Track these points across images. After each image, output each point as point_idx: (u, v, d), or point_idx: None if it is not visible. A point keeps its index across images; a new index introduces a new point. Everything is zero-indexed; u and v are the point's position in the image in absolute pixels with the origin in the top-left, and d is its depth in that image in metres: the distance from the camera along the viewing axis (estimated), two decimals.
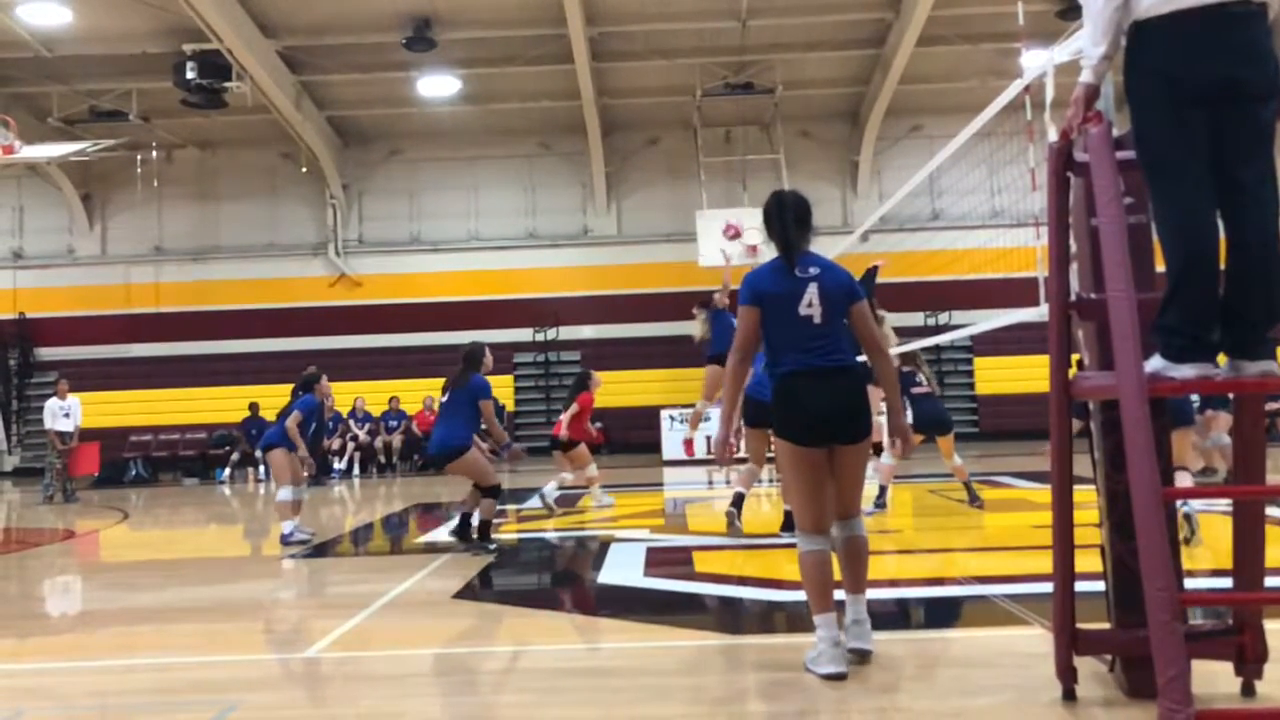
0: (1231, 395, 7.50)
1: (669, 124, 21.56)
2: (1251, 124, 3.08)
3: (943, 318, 19.85)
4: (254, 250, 22.14)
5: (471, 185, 22.23)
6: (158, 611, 5.98)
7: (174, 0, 15.10)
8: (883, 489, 9.02)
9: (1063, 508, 3.51)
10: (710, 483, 13.90)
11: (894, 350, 9.42)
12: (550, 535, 8.72)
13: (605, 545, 7.87)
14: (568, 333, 21.65)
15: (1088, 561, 3.69)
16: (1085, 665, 3.58)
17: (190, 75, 17.18)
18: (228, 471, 18.42)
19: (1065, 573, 3.49)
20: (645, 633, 4.95)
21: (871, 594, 5.22)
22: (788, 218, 4.13)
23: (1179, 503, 5.35)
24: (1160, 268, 3.31)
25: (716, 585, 6.09)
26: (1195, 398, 8.62)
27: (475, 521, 7.71)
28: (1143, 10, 3.14)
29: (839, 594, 4.05)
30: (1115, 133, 3.43)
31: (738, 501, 8.06)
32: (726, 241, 16.69)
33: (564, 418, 10.43)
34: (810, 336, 4.00)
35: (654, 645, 4.64)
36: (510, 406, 20.19)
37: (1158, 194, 3.22)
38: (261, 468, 16.16)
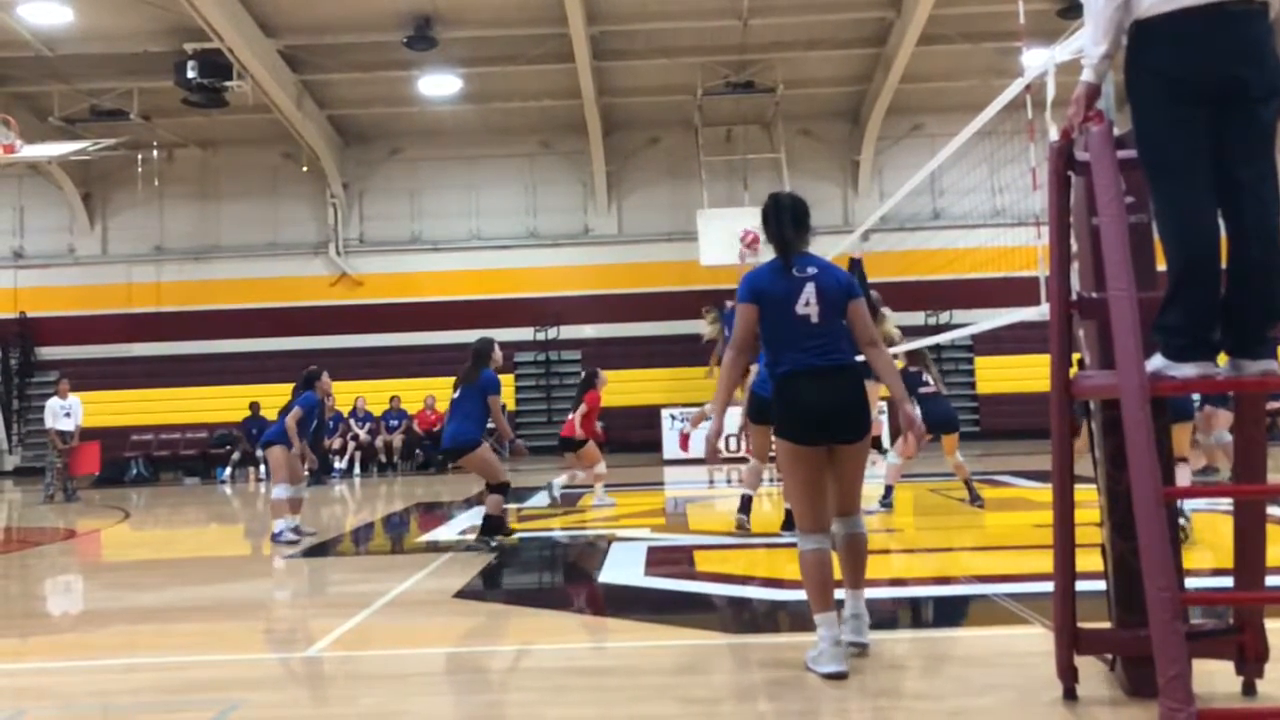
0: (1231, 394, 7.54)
1: (670, 123, 21.55)
2: (1252, 123, 3.07)
3: (943, 317, 19.85)
4: (255, 249, 22.14)
5: (472, 184, 22.23)
6: (159, 611, 5.99)
7: None
8: (888, 489, 9.03)
9: (1064, 507, 3.51)
10: (711, 482, 13.91)
11: (899, 349, 9.44)
12: (551, 534, 8.72)
13: (606, 544, 7.87)
14: (568, 332, 21.65)
15: (1088, 561, 3.69)
16: (1086, 664, 3.58)
17: (191, 74, 17.18)
18: (228, 471, 18.42)
19: (1066, 572, 3.49)
20: (646, 632, 4.96)
21: (872, 593, 5.21)
22: (784, 219, 4.16)
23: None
24: (1161, 267, 3.31)
25: (717, 584, 6.09)
26: (1195, 395, 8.64)
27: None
28: (1144, 9, 3.13)
29: (839, 591, 4.06)
30: (1116, 132, 3.43)
31: (745, 506, 8.14)
32: (744, 248, 16.53)
33: (575, 418, 10.44)
34: (808, 336, 4.02)
35: (655, 645, 4.64)
36: (511, 406, 20.17)
37: (1159, 193, 3.22)
38: (262, 466, 16.17)
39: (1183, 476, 6.67)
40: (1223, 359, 3.20)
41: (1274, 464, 3.98)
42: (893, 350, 9.65)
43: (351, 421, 18.79)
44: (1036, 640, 4.26)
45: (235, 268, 22.08)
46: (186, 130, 21.04)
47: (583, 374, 11.58)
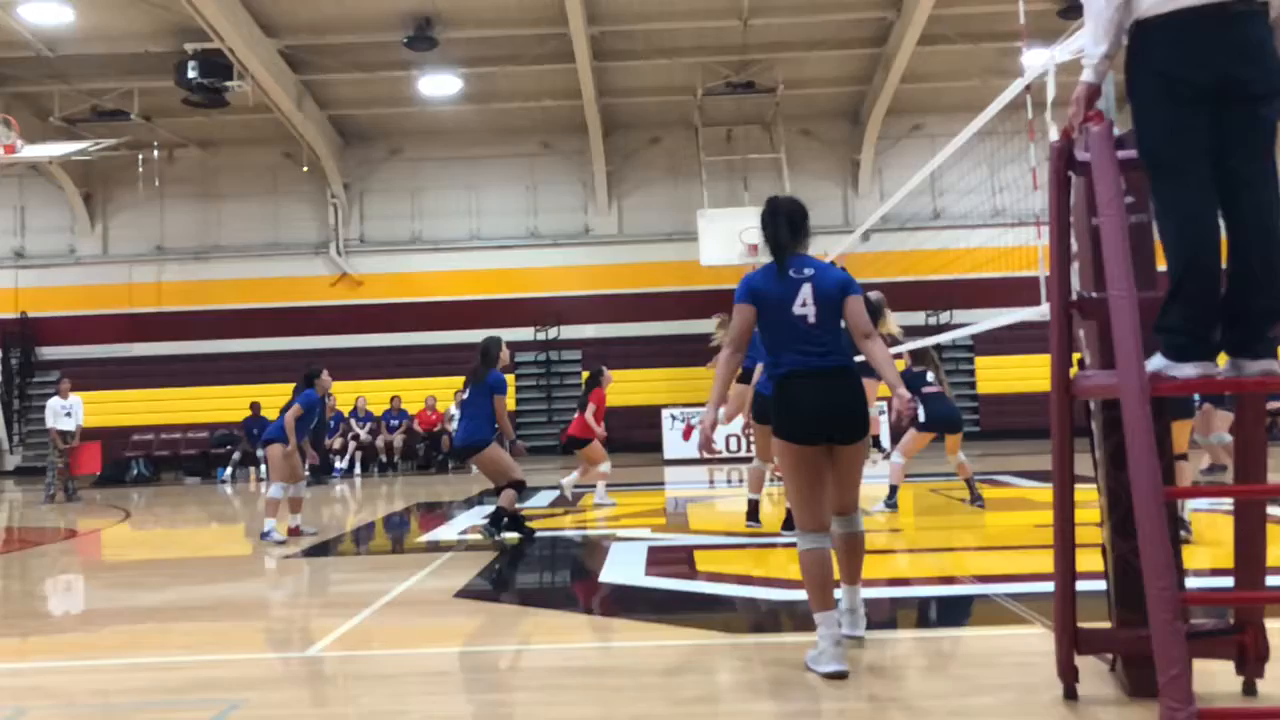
0: (1228, 394, 7.54)
1: (670, 123, 21.56)
2: (1253, 123, 3.08)
3: (944, 316, 19.86)
4: (255, 249, 22.16)
5: (472, 184, 22.24)
6: (160, 610, 5.99)
7: None
8: (893, 488, 9.03)
9: (1064, 507, 3.52)
10: (711, 482, 13.91)
11: (902, 348, 9.45)
12: (551, 534, 8.72)
13: (607, 544, 7.88)
14: (569, 332, 21.66)
15: (1089, 560, 3.69)
16: (1086, 664, 3.58)
17: (192, 74, 17.19)
18: (229, 471, 18.42)
19: (1066, 572, 3.49)
20: (647, 632, 4.96)
21: (874, 593, 5.21)
22: (780, 223, 4.20)
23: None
24: (1161, 267, 3.31)
25: (718, 584, 6.09)
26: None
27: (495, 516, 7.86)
28: (1144, 10, 3.14)
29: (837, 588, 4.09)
30: (1117, 132, 3.43)
31: (754, 512, 8.27)
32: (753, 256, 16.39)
33: (588, 417, 10.47)
34: (805, 336, 4.05)
35: (655, 644, 4.65)
36: (511, 405, 20.15)
37: (1159, 193, 3.22)
38: (263, 466, 16.17)
39: (1185, 476, 6.68)
40: (1223, 359, 3.21)
41: (1274, 463, 3.99)
42: (895, 349, 9.67)
43: (352, 421, 18.79)
44: (1037, 640, 4.27)
45: (236, 268, 22.10)
46: (187, 130, 21.05)
47: (587, 373, 11.63)
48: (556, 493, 11.81)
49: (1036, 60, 6.97)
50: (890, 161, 21.59)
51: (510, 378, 20.08)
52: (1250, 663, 3.38)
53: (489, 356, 7.96)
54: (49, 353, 22.06)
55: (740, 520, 8.39)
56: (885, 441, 15.21)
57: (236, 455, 18.61)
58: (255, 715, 3.69)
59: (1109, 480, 3.58)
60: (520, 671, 4.43)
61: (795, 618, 4.98)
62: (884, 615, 5.14)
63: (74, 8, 16.25)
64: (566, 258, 21.93)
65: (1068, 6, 15.91)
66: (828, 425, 4.01)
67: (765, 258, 4.30)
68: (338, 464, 18.14)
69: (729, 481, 13.92)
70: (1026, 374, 18.31)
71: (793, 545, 4.34)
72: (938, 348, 9.67)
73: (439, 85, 19.55)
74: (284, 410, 8.99)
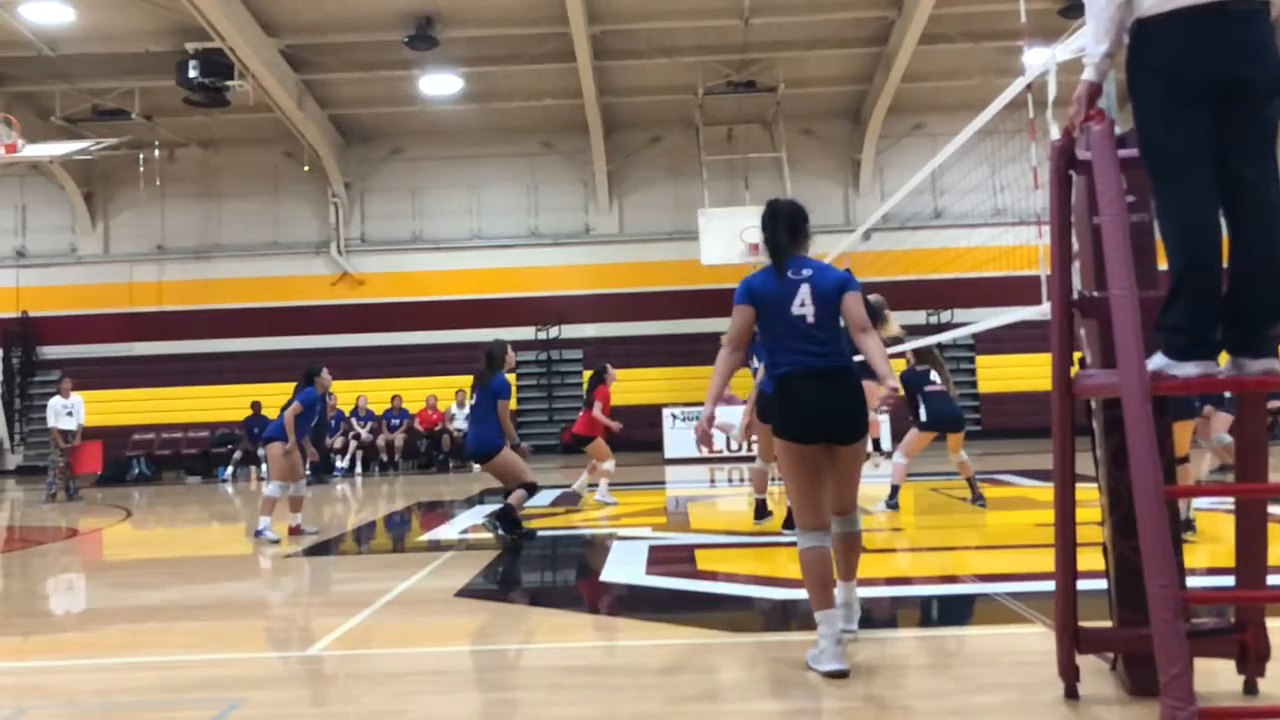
0: (1228, 394, 7.53)
1: (671, 122, 21.56)
2: (1254, 122, 3.07)
3: (945, 316, 19.86)
4: (256, 249, 22.17)
5: (473, 184, 22.25)
6: (161, 609, 5.99)
7: None
8: (895, 488, 9.03)
9: (1065, 506, 3.52)
10: (712, 481, 13.91)
11: (904, 347, 9.45)
12: (552, 533, 8.73)
13: (608, 543, 7.88)
14: (570, 331, 21.67)
15: (1090, 559, 3.69)
16: (1087, 663, 3.58)
17: (193, 74, 17.19)
18: (230, 470, 18.44)
19: (1067, 571, 3.49)
20: (647, 631, 4.96)
21: (875, 592, 5.22)
22: (779, 225, 4.25)
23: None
24: (1163, 266, 3.31)
25: (718, 583, 6.09)
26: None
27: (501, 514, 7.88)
28: (1145, 8, 3.13)
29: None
30: (1118, 131, 3.43)
31: (761, 511, 8.38)
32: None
33: (597, 415, 10.51)
34: (804, 336, 4.07)
35: (656, 643, 4.65)
36: (512, 405, 20.16)
37: (1160, 192, 3.22)
38: (264, 465, 16.18)
39: (1187, 479, 6.67)
40: (1224, 358, 3.21)
41: (1276, 463, 3.98)
42: (897, 349, 9.67)
43: (353, 420, 18.80)
44: (1038, 639, 4.27)
45: (237, 267, 22.11)
46: (188, 130, 21.06)
47: (589, 372, 11.67)
48: (558, 492, 11.82)
49: (1037, 59, 6.96)
50: (891, 161, 21.59)
51: (511, 377, 20.05)
52: (1251, 662, 3.38)
53: (494, 360, 8.01)
54: (50, 352, 22.08)
55: (741, 520, 8.40)
56: (886, 443, 15.19)
57: (237, 454, 18.62)
58: (256, 714, 3.69)
59: (1110, 479, 3.58)
60: (521, 670, 4.43)
61: (796, 617, 4.98)
62: (885, 614, 5.14)
63: (75, 7, 16.26)
64: (567, 257, 21.94)
65: (1069, 5, 15.91)
66: (827, 425, 4.03)
67: (766, 258, 4.32)
68: (339, 463, 18.14)
69: (730, 481, 13.92)
70: (1027, 373, 18.31)
71: (793, 544, 4.35)
72: (939, 347, 9.67)
73: (440, 84, 19.55)
74: (284, 408, 9.02)
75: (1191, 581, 4.23)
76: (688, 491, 12.52)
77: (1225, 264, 3.15)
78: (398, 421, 19.07)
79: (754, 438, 8.46)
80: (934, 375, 9.07)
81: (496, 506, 8.25)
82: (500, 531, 7.65)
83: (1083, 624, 3.49)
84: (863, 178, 21.67)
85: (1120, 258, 3.14)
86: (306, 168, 21.21)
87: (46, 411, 14.97)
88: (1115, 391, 3.14)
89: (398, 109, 20.83)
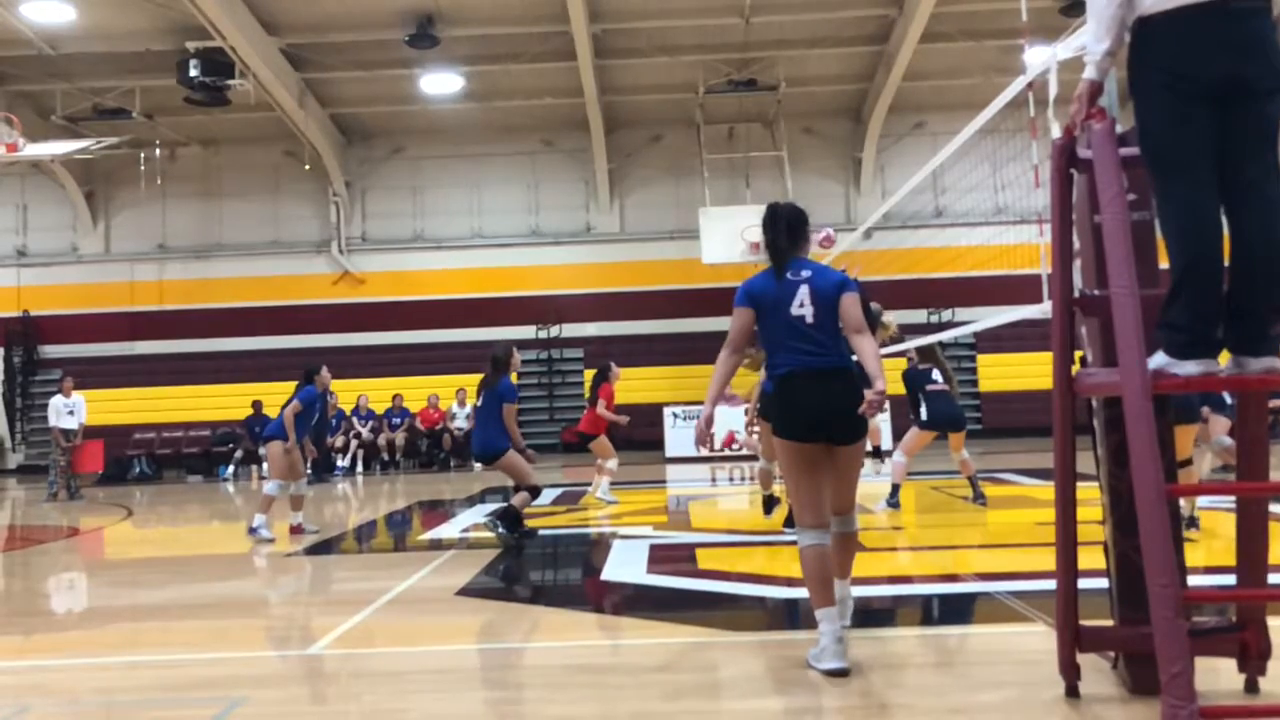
0: (1227, 394, 7.53)
1: (672, 121, 21.55)
2: (1256, 120, 3.07)
3: (946, 315, 19.86)
4: (257, 248, 22.17)
5: (474, 182, 22.24)
6: (162, 608, 6.00)
7: None
8: (895, 487, 9.03)
9: (1066, 504, 3.51)
10: (713, 480, 13.91)
11: (905, 345, 9.46)
12: (553, 532, 8.73)
13: (608, 542, 7.88)
14: (571, 330, 21.66)
15: (1091, 558, 3.69)
16: (1088, 662, 3.58)
17: (193, 73, 17.19)
18: (231, 469, 18.45)
19: (1068, 569, 3.49)
20: (648, 629, 4.96)
21: (876, 591, 5.21)
22: (779, 228, 4.29)
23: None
24: (1164, 264, 3.31)
25: (719, 582, 6.09)
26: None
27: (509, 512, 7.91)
28: (1146, 7, 3.13)
29: None
30: (1119, 129, 3.43)
31: (769, 506, 8.56)
32: (820, 250, 15.94)
33: (602, 412, 10.54)
34: (804, 337, 4.11)
35: (657, 642, 4.65)
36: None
37: (1161, 191, 3.21)
38: (265, 464, 16.20)
39: (1190, 480, 6.66)
40: (1224, 357, 3.20)
41: (1277, 461, 3.98)
42: (898, 347, 9.68)
43: (354, 419, 18.80)
44: (1039, 638, 4.27)
45: (238, 266, 22.11)
46: (189, 129, 21.06)
47: (590, 371, 11.67)
48: (559, 491, 11.82)
49: (1038, 58, 6.96)
50: (892, 159, 21.58)
51: (511, 376, 20.11)
52: (1252, 660, 3.38)
53: (500, 364, 8.01)
54: (51, 351, 22.08)
55: (741, 518, 8.42)
56: (887, 443, 15.19)
57: (238, 453, 18.64)
58: (257, 713, 3.69)
59: (1111, 478, 3.58)
60: (522, 669, 4.44)
61: (796, 615, 4.98)
62: (886, 613, 5.14)
63: (75, 6, 16.26)
64: (568, 256, 21.93)
65: (1070, 4, 15.89)
66: (826, 424, 4.06)
67: (767, 258, 4.35)
68: (340, 462, 18.15)
69: (730, 480, 13.92)
70: (1028, 372, 18.29)
71: (794, 543, 4.35)
72: (941, 345, 9.67)
73: (440, 83, 19.55)
74: (284, 407, 9.03)
75: (1192, 580, 4.23)
76: (688, 490, 12.52)
77: (1226, 262, 3.15)
78: (399, 420, 19.07)
79: (755, 431, 8.51)
80: (936, 374, 9.07)
81: (497, 506, 8.26)
82: (501, 530, 7.66)
83: (1084, 622, 3.49)
84: (864, 176, 21.66)
85: (1121, 256, 3.13)
86: (307, 167, 21.20)
87: (48, 410, 14.98)
88: (1116, 390, 3.13)
89: (398, 108, 20.82)
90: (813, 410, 4.05)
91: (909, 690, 3.73)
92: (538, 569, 7.29)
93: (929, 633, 4.89)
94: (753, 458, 15.84)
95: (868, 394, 3.98)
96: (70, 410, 14.68)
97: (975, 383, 20.54)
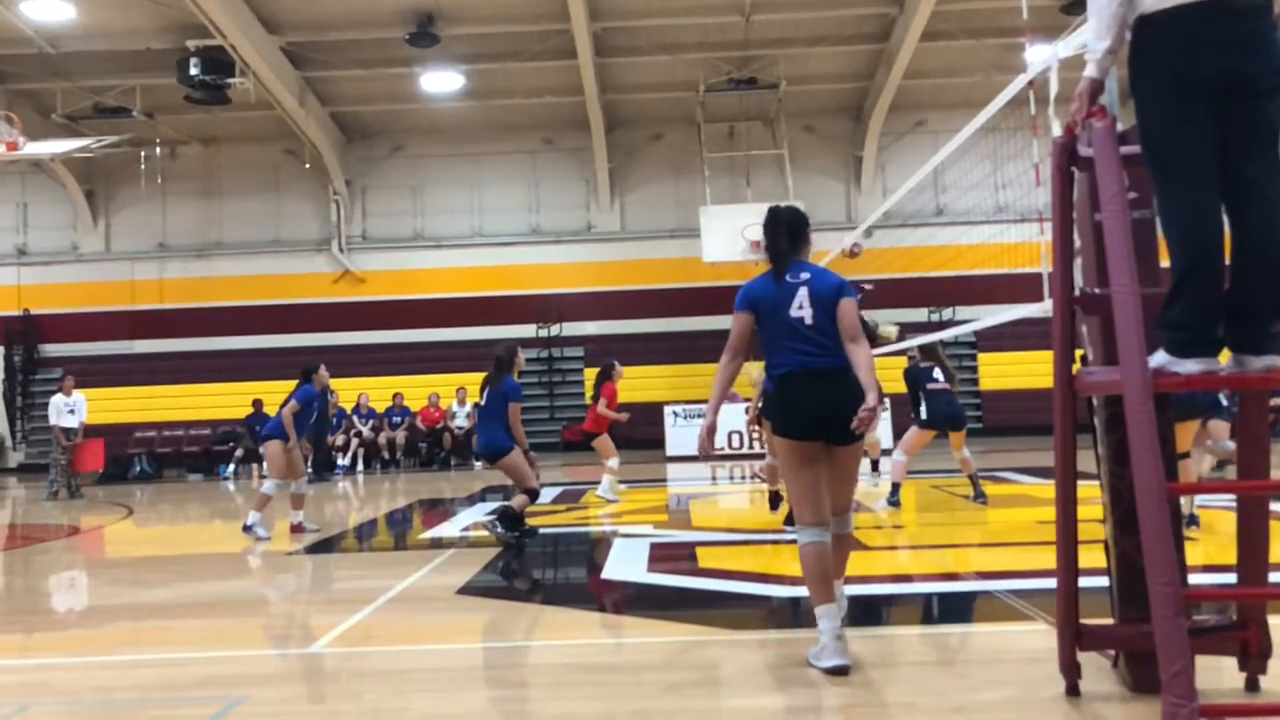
0: (1223, 395, 7.53)
1: (672, 119, 21.55)
2: (1257, 118, 3.06)
3: (946, 313, 19.84)
4: (257, 246, 22.17)
5: (475, 181, 22.24)
6: (163, 607, 6.00)
7: None
8: (895, 486, 9.03)
9: (1066, 503, 3.51)
10: (714, 478, 13.91)
11: (906, 344, 9.46)
12: (554, 531, 8.73)
13: (609, 541, 7.88)
14: (571, 329, 21.66)
15: (1091, 557, 3.69)
16: (1089, 660, 3.58)
17: (194, 71, 17.20)
18: (232, 467, 18.44)
19: (1069, 568, 3.49)
20: (649, 628, 4.96)
21: (876, 589, 5.21)
22: (780, 232, 4.33)
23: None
24: (1165, 263, 3.30)
25: (720, 581, 6.09)
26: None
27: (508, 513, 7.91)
28: (1147, 5, 3.13)
29: None
30: (1120, 127, 3.42)
31: (775, 501, 8.64)
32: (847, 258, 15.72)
33: (602, 410, 10.55)
34: (802, 338, 4.16)
35: (657, 640, 4.65)
36: None
37: (1162, 189, 3.21)
38: (265, 463, 16.20)
39: (1188, 474, 6.67)
40: (1225, 356, 3.20)
41: (1277, 460, 3.98)
42: (900, 346, 9.67)
43: (355, 418, 18.80)
44: (1039, 636, 4.27)
45: (238, 265, 22.11)
46: (189, 127, 21.06)
47: (591, 370, 11.69)
48: (559, 490, 11.82)
49: (1039, 56, 6.95)
50: (893, 158, 21.57)
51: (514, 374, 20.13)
52: (1253, 659, 3.38)
53: (504, 363, 8.02)
54: (51, 350, 22.09)
55: (742, 517, 8.43)
56: (889, 442, 15.17)
57: (239, 452, 18.63)
58: (257, 712, 3.69)
59: (1111, 476, 3.58)
60: (523, 667, 4.44)
61: (797, 614, 4.98)
62: (887, 611, 5.14)
63: (76, 5, 16.25)
64: (568, 254, 21.93)
65: (1070, 2, 15.88)
66: (825, 423, 4.10)
67: (767, 259, 4.39)
68: (340, 461, 18.15)
69: (731, 478, 13.91)
70: (1029, 370, 18.29)
71: (794, 542, 4.35)
72: (942, 344, 9.67)
73: (441, 82, 19.54)
74: (282, 406, 9.03)
75: (1193, 579, 4.23)
76: (689, 489, 12.51)
77: (1227, 260, 3.14)
78: (399, 419, 19.07)
79: (756, 431, 8.56)
80: (937, 372, 9.06)
81: (497, 505, 8.25)
82: (500, 530, 7.66)
83: (1084, 621, 3.48)
84: (864, 175, 21.65)
85: (1122, 254, 3.13)
86: (308, 165, 21.21)
87: (48, 409, 14.98)
88: (1117, 388, 3.13)
89: (399, 106, 20.82)
90: (812, 409, 4.09)
91: (909, 688, 3.73)
92: (538, 568, 7.29)
93: (930, 631, 4.89)
94: (753, 456, 15.86)
95: (860, 411, 3.97)
96: (71, 409, 14.68)
97: (976, 381, 20.54)
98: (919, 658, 4.26)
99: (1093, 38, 3.30)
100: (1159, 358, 3.16)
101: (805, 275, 4.23)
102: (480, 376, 8.57)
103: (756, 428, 8.56)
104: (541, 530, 8.42)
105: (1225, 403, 8.12)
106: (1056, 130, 3.98)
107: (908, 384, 9.24)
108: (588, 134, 20.80)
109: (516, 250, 22.02)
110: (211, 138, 21.82)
